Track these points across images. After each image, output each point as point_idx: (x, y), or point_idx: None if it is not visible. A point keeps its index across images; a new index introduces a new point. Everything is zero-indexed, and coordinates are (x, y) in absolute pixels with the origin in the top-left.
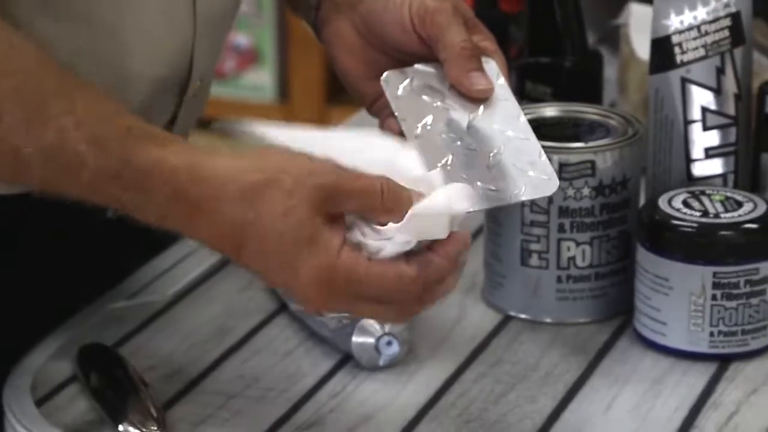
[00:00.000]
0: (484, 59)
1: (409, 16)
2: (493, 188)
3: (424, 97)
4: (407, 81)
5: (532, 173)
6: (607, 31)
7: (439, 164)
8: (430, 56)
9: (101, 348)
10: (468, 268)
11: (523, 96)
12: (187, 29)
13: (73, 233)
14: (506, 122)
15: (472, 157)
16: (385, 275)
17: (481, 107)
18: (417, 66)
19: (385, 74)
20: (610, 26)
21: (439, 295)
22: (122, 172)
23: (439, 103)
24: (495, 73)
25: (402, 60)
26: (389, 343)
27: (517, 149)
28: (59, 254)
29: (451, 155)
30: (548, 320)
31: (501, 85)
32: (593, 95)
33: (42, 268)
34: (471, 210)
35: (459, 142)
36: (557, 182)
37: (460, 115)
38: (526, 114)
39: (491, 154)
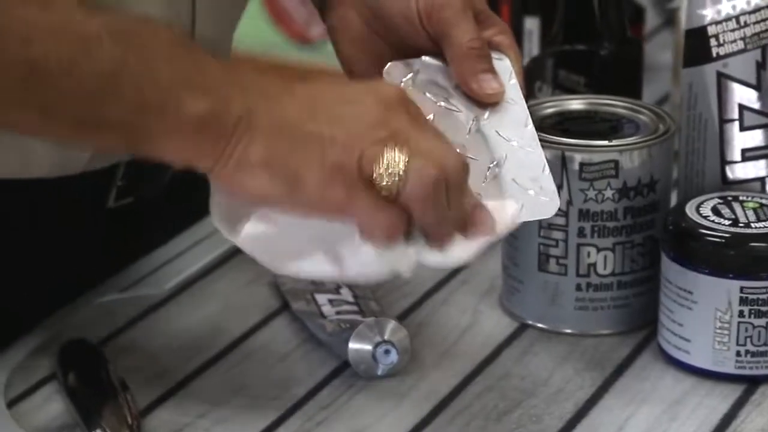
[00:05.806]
0: (497, 55)
1: (416, 9)
2: None
3: (428, 95)
4: (411, 74)
5: (531, 191)
6: (671, 14)
7: None
8: (438, 52)
9: (85, 345)
10: (487, 269)
11: (556, 85)
12: (186, 10)
13: (73, 222)
14: (513, 129)
15: (471, 168)
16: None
17: (488, 110)
18: (424, 58)
19: (388, 65)
20: (671, 9)
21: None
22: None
23: (442, 103)
24: (507, 72)
25: (409, 53)
26: (387, 352)
27: (520, 162)
28: (56, 243)
29: None
30: (567, 330)
31: (513, 85)
32: (630, 86)
33: (37, 257)
34: None
35: (458, 150)
36: (557, 203)
37: (465, 118)
38: (550, 107)
39: (490, 166)
